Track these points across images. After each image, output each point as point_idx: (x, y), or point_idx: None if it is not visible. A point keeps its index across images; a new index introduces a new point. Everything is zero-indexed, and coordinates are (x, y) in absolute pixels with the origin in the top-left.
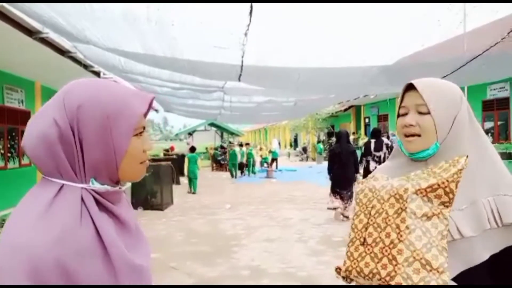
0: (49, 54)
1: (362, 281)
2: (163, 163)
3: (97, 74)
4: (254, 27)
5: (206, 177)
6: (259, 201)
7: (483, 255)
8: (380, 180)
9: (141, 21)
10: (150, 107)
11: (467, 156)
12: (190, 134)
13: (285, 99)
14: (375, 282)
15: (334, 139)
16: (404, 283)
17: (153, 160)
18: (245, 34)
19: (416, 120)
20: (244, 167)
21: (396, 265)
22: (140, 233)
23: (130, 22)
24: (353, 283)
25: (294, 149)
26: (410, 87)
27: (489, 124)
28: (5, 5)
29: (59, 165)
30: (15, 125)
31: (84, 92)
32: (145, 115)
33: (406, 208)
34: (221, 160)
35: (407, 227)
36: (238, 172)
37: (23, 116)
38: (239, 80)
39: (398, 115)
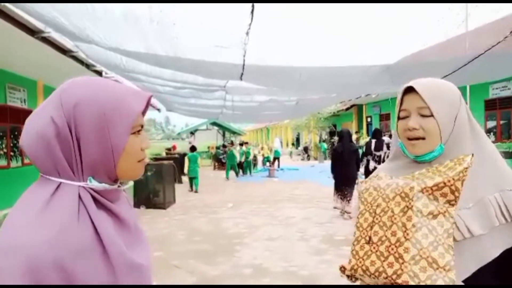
0: (51, 53)
1: (367, 280)
2: (165, 162)
3: (99, 73)
4: (255, 26)
5: (208, 176)
6: (261, 200)
7: (494, 252)
8: (384, 179)
9: (142, 20)
10: (148, 105)
11: (473, 155)
12: (192, 133)
13: (287, 98)
14: (381, 280)
15: (336, 138)
16: (411, 281)
17: (155, 159)
18: (247, 33)
19: (419, 123)
20: (241, 166)
21: (402, 263)
22: (139, 232)
23: (131, 21)
24: (358, 282)
25: (296, 148)
26: (409, 89)
27: (491, 123)
28: (7, 4)
29: (56, 164)
30: (17, 124)
31: (81, 90)
32: (143, 113)
33: (412, 206)
34: (223, 159)
35: (413, 225)
36: (240, 172)
37: (26, 115)
38: (241, 79)
39: (398, 118)
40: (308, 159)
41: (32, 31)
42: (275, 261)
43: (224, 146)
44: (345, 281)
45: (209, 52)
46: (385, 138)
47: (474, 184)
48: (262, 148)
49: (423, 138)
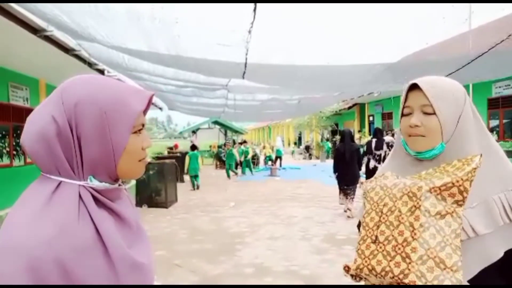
0: (54, 52)
1: (373, 279)
2: (167, 161)
3: (102, 72)
4: (258, 24)
5: (210, 175)
6: (263, 199)
7: (499, 252)
8: (390, 178)
9: (145, 19)
10: (149, 104)
11: (481, 155)
12: (194, 132)
13: (289, 97)
14: (387, 280)
15: (338, 137)
16: (417, 281)
17: (157, 158)
18: (249, 32)
19: (421, 120)
20: (239, 165)
21: (409, 263)
22: (141, 231)
23: (134, 20)
24: (362, 282)
25: (298, 147)
26: (414, 86)
27: (494, 122)
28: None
29: (57, 162)
30: (20, 123)
31: (82, 89)
32: (145, 112)
33: (420, 206)
34: (224, 157)
35: (421, 225)
36: (239, 171)
37: (28, 114)
38: (243, 77)
39: (402, 115)
40: (310, 158)
41: (34, 30)
42: (276, 260)
43: (226, 145)
44: (347, 281)
45: (212, 50)
46: (387, 138)
47: (480, 183)
48: (264, 147)
49: (424, 136)
